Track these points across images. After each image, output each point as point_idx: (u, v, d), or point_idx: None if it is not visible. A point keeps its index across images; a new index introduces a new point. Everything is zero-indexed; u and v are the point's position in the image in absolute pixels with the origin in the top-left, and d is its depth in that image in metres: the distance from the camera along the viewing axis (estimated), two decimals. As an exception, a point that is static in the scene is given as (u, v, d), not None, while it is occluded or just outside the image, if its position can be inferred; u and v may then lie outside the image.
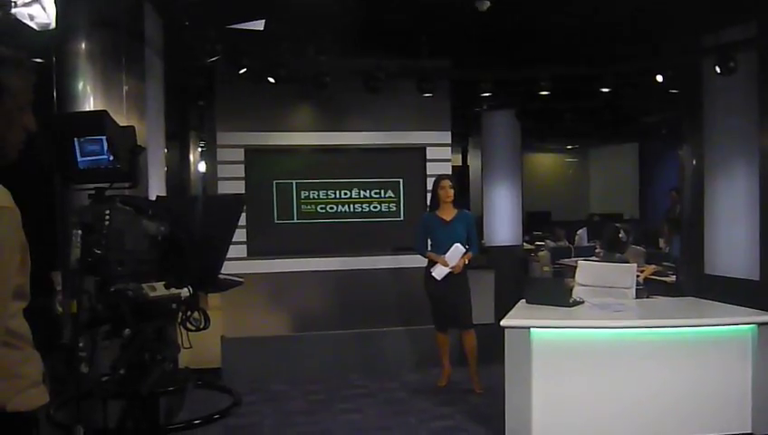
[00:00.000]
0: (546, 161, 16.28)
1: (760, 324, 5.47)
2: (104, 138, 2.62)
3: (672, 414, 5.40)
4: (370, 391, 6.95)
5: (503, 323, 5.50)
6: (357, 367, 7.47)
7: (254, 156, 7.63)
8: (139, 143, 2.91)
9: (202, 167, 8.75)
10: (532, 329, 5.46)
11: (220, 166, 7.57)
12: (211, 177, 8.09)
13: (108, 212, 2.68)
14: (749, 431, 5.43)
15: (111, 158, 2.66)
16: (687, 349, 5.48)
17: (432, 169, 7.79)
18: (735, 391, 5.47)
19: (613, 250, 8.89)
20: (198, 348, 3.19)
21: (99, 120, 2.65)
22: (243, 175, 7.54)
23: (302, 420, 6.11)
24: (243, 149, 7.54)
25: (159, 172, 6.09)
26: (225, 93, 7.61)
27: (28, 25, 4.08)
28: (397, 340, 7.67)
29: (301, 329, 7.69)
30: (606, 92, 8.25)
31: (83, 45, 5.02)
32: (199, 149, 8.87)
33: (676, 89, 8.75)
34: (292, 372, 7.29)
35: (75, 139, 2.67)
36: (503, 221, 10.90)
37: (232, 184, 7.42)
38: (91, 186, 2.78)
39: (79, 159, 2.69)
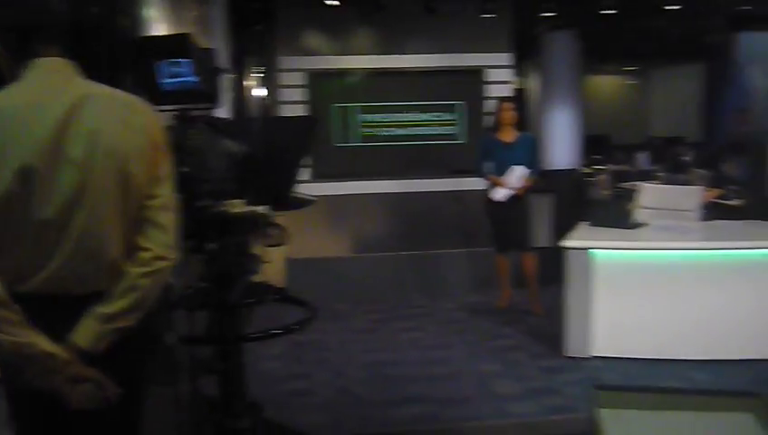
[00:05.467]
0: (606, 83, 15.93)
1: (828, 247, 5.42)
2: (189, 60, 2.71)
3: (733, 335, 5.43)
4: (430, 310, 7.11)
5: (564, 243, 5.56)
6: (417, 288, 7.63)
7: (315, 80, 7.70)
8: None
9: (261, 91, 8.82)
10: (592, 250, 5.52)
11: (281, 90, 7.65)
12: (271, 101, 8.18)
13: (193, 132, 2.79)
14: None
15: (196, 79, 2.75)
16: (750, 272, 5.48)
17: (492, 91, 7.76)
18: (799, 315, 5.47)
19: (676, 172, 8.79)
20: (264, 268, 3.33)
21: (183, 43, 2.73)
22: (304, 99, 7.62)
23: (365, 338, 6.32)
24: (304, 73, 7.60)
25: (226, 97, 6.19)
26: (287, 17, 7.63)
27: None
28: (456, 262, 7.79)
29: (362, 250, 7.86)
30: (670, 10, 8.03)
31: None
32: (258, 75, 8.94)
33: (744, 5, 8.44)
34: (353, 292, 7.49)
35: (160, 61, 2.76)
36: (561, 145, 10.78)
37: (293, 108, 7.51)
38: (176, 107, 2.88)
39: (164, 80, 2.79)
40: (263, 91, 8.82)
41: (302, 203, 3.58)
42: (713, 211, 7.71)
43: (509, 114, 6.65)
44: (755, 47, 7.84)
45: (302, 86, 7.60)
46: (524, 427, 4.53)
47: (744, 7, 8.39)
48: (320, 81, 7.73)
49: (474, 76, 7.93)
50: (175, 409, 3.09)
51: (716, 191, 8.65)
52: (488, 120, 7.00)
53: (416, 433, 4.44)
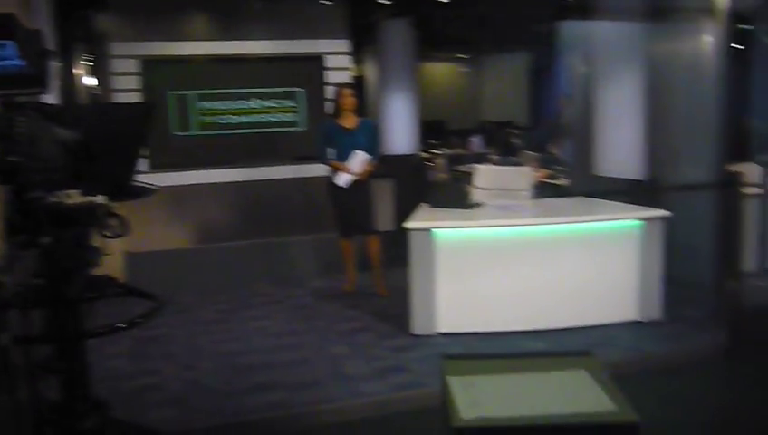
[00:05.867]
0: (440, 70, 16.44)
1: (646, 219, 5.90)
2: (14, 42, 2.54)
3: (567, 305, 5.82)
4: (278, 298, 7.10)
5: (407, 225, 5.72)
6: (263, 276, 7.58)
7: (149, 67, 7.43)
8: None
9: (92, 79, 8.42)
10: (435, 230, 5.71)
11: (114, 78, 7.33)
12: (103, 89, 7.82)
13: (21, 119, 2.63)
14: (636, 318, 5.92)
15: (22, 63, 2.58)
16: (580, 244, 5.87)
17: (331, 77, 7.81)
18: (624, 283, 5.93)
19: (508, 154, 9.21)
20: (102, 262, 3.20)
21: (7, 23, 2.55)
22: (138, 86, 7.34)
23: (213, 329, 6.22)
24: (137, 60, 7.32)
25: (55, 85, 5.86)
26: (118, 1, 7.30)
27: None
28: (302, 248, 7.80)
29: (205, 241, 7.71)
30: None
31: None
32: (88, 62, 8.51)
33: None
34: (198, 284, 7.33)
35: (-20, 43, 2.57)
36: (399, 131, 11.00)
37: (127, 96, 7.22)
38: (0, 92, 2.70)
39: (-15, 64, 2.60)
40: (93, 79, 8.41)
41: (143, 192, 3.46)
42: (543, 190, 8.17)
43: (349, 100, 6.73)
44: (576, 35, 8.34)
45: (135, 73, 7.30)
46: (376, 405, 4.63)
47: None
48: (154, 67, 7.47)
49: (313, 63, 7.95)
50: (14, 415, 2.91)
51: (545, 172, 9.16)
52: (329, 107, 7.04)
53: (270, 420, 4.42)
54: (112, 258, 3.29)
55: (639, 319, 5.94)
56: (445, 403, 2.19)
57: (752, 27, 7.06)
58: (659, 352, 5.42)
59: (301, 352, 5.54)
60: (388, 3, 8.78)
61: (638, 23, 7.23)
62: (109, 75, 7.36)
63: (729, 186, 6.95)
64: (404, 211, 6.43)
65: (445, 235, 5.74)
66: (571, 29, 8.54)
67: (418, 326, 5.77)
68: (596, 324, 5.82)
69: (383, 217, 8.09)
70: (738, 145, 7.48)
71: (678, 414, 4.37)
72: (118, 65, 7.32)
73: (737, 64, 6.98)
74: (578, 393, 2.16)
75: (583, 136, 8.17)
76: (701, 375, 5.14)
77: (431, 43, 12.63)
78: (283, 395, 4.70)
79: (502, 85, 16.11)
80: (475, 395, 2.14)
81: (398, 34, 10.46)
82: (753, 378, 5.02)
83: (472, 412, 2.01)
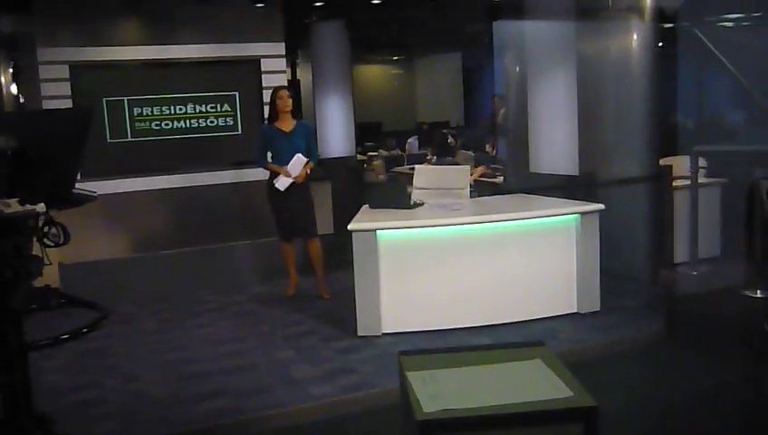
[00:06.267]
0: (375, 73, 16.51)
1: (582, 214, 6.04)
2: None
3: (509, 300, 5.91)
4: (220, 305, 7.01)
5: (350, 227, 5.73)
6: (204, 284, 7.48)
7: (81, 72, 7.24)
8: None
9: (19, 86, 8.19)
10: (378, 231, 5.73)
11: (43, 85, 7.12)
12: (32, 97, 7.59)
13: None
14: (575, 311, 6.05)
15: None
16: (520, 240, 5.97)
17: (267, 81, 7.76)
18: (563, 276, 6.06)
19: (444, 155, 9.29)
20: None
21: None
22: (69, 93, 7.15)
23: (155, 339, 6.11)
24: (67, 66, 7.13)
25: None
26: (44, 6, 7.09)
27: None
28: (243, 254, 7.73)
29: (144, 250, 7.55)
30: (433, 1, 8.47)
31: None
32: (15, 68, 8.27)
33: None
34: (138, 293, 7.18)
35: None
36: (335, 133, 11.00)
37: (57, 103, 7.01)
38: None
39: None
40: (20, 86, 8.18)
41: (84, 199, 3.38)
42: (480, 188, 8.30)
43: (286, 102, 6.69)
44: (508, 35, 8.47)
45: (65, 79, 7.11)
46: (326, 408, 4.61)
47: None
48: (86, 73, 7.28)
49: (249, 66, 7.86)
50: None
51: (481, 169, 9.31)
52: (266, 111, 7.00)
53: (218, 428, 4.36)
54: (49, 269, 3.20)
55: (578, 311, 6.08)
56: (405, 399, 2.20)
57: (676, 25, 7.30)
58: (599, 342, 5.54)
59: (246, 358, 5.48)
60: (321, 4, 8.76)
61: (569, 21, 7.37)
62: (37, 82, 7.14)
63: (660, 179, 7.19)
64: (343, 214, 6.43)
65: (387, 235, 5.77)
66: (504, 29, 8.67)
67: (364, 327, 5.77)
68: (537, 318, 5.94)
69: (322, 220, 8.06)
70: (667, 139, 7.73)
71: (622, 401, 4.48)
72: (47, 71, 7.11)
73: (664, 61, 7.21)
74: (535, 382, 2.20)
75: (518, 134, 8.30)
76: (640, 362, 5.29)
77: (365, 46, 12.70)
78: (231, 402, 4.64)
79: (436, 86, 16.28)
80: (436, 389, 2.16)
81: (331, 36, 10.47)
82: (690, 362, 5.19)
83: (434, 405, 2.02)
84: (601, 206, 6.08)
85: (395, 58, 16.49)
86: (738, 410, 4.39)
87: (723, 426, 4.21)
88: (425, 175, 7.35)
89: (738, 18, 6.85)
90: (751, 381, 4.78)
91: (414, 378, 2.22)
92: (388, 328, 5.78)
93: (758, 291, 6.34)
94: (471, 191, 7.23)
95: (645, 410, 4.47)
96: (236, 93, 7.88)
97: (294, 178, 6.64)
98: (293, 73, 13.30)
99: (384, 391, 4.71)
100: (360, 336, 5.74)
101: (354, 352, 5.46)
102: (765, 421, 4.19)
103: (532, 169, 7.97)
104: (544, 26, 7.71)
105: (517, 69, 8.39)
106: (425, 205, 6.48)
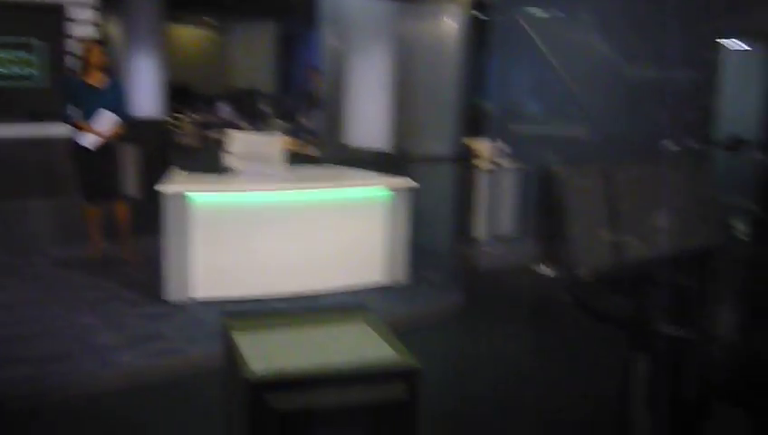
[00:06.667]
0: (188, 34, 15.93)
1: (394, 189, 6.26)
2: None
3: (321, 270, 6.02)
4: (17, 267, 6.55)
5: (161, 188, 5.55)
6: (-2, 244, 6.94)
7: None
8: None
9: None
10: (190, 194, 5.61)
11: None
12: None
13: None
14: (385, 282, 6.28)
15: None
16: (333, 211, 6.09)
17: (75, 31, 7.26)
18: (373, 248, 6.26)
19: (258, 123, 9.21)
20: None
21: None
22: None
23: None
24: None
25: None
26: None
27: None
28: (41, 214, 7.23)
29: None
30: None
31: None
32: None
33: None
34: None
35: None
36: (144, 93, 10.54)
37: None
38: None
39: None
40: None
41: None
42: (293, 159, 8.31)
43: (98, 57, 6.35)
44: (331, 7, 8.51)
45: None
46: (132, 375, 4.48)
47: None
48: None
49: (53, 13, 7.29)
50: None
51: (295, 141, 9.32)
52: (73, 63, 6.58)
53: (17, 397, 4.11)
54: None
55: (387, 283, 6.31)
56: (231, 359, 2.21)
57: (491, 15, 7.67)
58: (406, 312, 5.79)
59: (46, 323, 5.18)
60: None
61: (390, 1, 7.55)
62: None
63: (465, 160, 7.58)
64: (150, 177, 6.20)
65: (200, 199, 5.66)
66: (327, 1, 8.70)
67: (172, 293, 5.66)
68: (348, 289, 6.10)
69: (130, 183, 7.74)
70: (474, 122, 8.15)
71: (428, 365, 4.72)
72: None
73: (476, 48, 7.58)
74: (361, 344, 2.29)
75: (334, 107, 8.41)
76: (443, 331, 5.60)
77: (180, 4, 12.22)
78: (29, 370, 4.38)
79: (252, 53, 16.00)
80: (264, 349, 2.19)
81: (142, -8, 10.00)
82: (486, 330, 5.58)
83: (264, 366, 2.05)
84: (413, 182, 6.32)
85: (210, 20, 16.01)
86: (533, 372, 4.77)
87: (517, 386, 4.57)
88: (239, 141, 7.23)
89: (551, 12, 7.33)
90: (535, 344, 5.24)
91: (240, 338, 2.23)
92: (198, 294, 5.70)
93: (546, 268, 6.89)
94: (286, 160, 7.23)
95: (449, 373, 4.75)
96: (36, 41, 7.30)
97: (102, 136, 6.32)
98: (105, 27, 12.51)
99: (192, 357, 4.67)
100: (168, 302, 5.61)
101: (162, 319, 5.34)
102: (550, 381, 4.60)
103: (346, 142, 8.11)
104: (365, 3, 7.85)
105: (336, 42, 8.46)
106: (238, 171, 6.41)
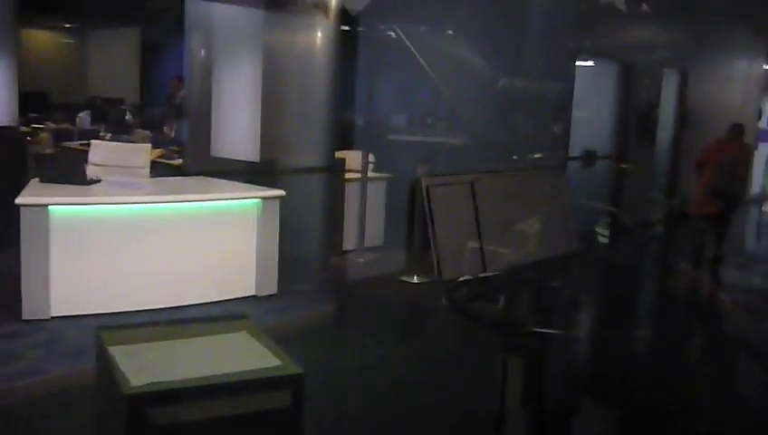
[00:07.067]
0: (44, 39, 15.17)
1: (263, 199, 6.22)
2: None
3: (188, 282, 5.88)
4: None
5: (18, 200, 5.27)
6: None
7: None
8: None
9: None
10: (50, 206, 5.34)
11: None
12: None
13: None
14: (254, 293, 6.22)
15: None
16: (202, 222, 5.98)
17: None
18: (242, 260, 6.18)
19: (120, 132, 8.92)
20: None
21: None
22: None
23: None
24: None
25: None
26: None
27: None
28: None
29: None
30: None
31: None
32: None
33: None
34: None
35: None
36: (-6, 100, 9.98)
37: None
38: None
39: None
40: None
41: None
42: (157, 169, 8.11)
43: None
44: (197, 16, 8.35)
45: None
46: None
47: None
48: None
49: None
50: None
51: (160, 151, 9.09)
52: None
53: None
54: None
55: (257, 294, 6.24)
56: (105, 374, 2.12)
57: (359, 28, 7.80)
58: (277, 322, 5.75)
59: None
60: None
61: (259, 10, 7.50)
62: None
63: (334, 171, 7.65)
64: (2, 188, 5.87)
65: (60, 211, 5.39)
66: (192, 9, 8.53)
67: (30, 311, 5.34)
68: (218, 300, 5.98)
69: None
70: (342, 135, 8.24)
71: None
72: None
73: (344, 61, 7.67)
74: (243, 353, 2.27)
75: (201, 117, 8.24)
76: (314, 340, 5.61)
77: (34, 8, 11.65)
78: None
79: (114, 60, 15.44)
80: (141, 362, 2.12)
81: (-5, -6, 9.43)
82: (357, 338, 5.65)
83: (141, 379, 1.99)
84: (282, 192, 6.30)
85: (67, 26, 15.31)
86: (408, 378, 4.86)
87: (393, 392, 4.64)
88: (101, 151, 7.02)
89: (420, 26, 7.52)
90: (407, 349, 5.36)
91: (117, 352, 2.15)
92: (58, 311, 5.41)
93: (415, 277, 7.07)
94: (150, 171, 7.06)
95: (324, 382, 4.76)
96: None
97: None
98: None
99: (56, 376, 4.45)
100: (26, 320, 5.30)
101: (20, 338, 5.04)
102: (424, 385, 4.70)
103: (214, 153, 7.98)
104: (234, 11, 7.76)
105: (203, 52, 8.32)
106: (102, 181, 6.18)
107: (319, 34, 7.33)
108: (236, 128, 7.84)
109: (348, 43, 7.85)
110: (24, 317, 5.31)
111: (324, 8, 7.23)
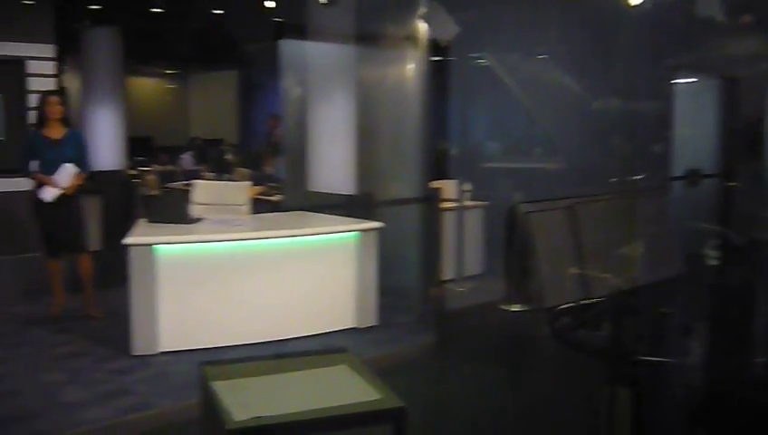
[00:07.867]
0: (148, 85, 15.90)
1: (361, 231, 6.25)
2: None
3: (289, 316, 5.96)
4: (-28, 325, 6.38)
5: (126, 241, 5.47)
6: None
7: None
8: None
9: None
10: (156, 246, 5.53)
11: None
12: None
13: None
14: (354, 326, 6.23)
15: None
16: (301, 256, 6.06)
17: (34, 84, 7.22)
18: (342, 292, 6.22)
19: (222, 171, 9.18)
20: None
21: None
22: None
23: None
24: None
25: None
26: None
27: None
28: (2, 270, 7.08)
29: None
30: (213, 15, 8.36)
31: None
32: None
33: (281, 17, 9.20)
34: None
35: None
36: (105, 145, 10.46)
37: None
38: None
39: None
40: None
41: None
42: (258, 206, 8.28)
43: (55, 109, 6.27)
44: (292, 55, 8.56)
45: None
46: (102, 432, 4.35)
47: (281, 18, 9.11)
48: None
49: (13, 67, 7.25)
50: None
51: (259, 188, 9.30)
52: (32, 116, 6.51)
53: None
54: None
55: (357, 326, 6.26)
56: (210, 410, 2.15)
57: (449, 58, 7.81)
58: (378, 354, 5.74)
59: (9, 382, 5.02)
60: (97, 9, 8.33)
61: (350, 46, 7.62)
62: None
63: (430, 201, 7.62)
64: (113, 229, 6.12)
65: (166, 250, 5.58)
66: (287, 49, 8.75)
67: (140, 347, 5.53)
68: (317, 333, 6.03)
69: (92, 236, 7.64)
70: (437, 164, 8.23)
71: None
72: None
73: (436, 92, 7.68)
74: (344, 387, 2.26)
75: (298, 154, 8.40)
76: (414, 372, 5.56)
77: (139, 56, 12.22)
78: (-5, 430, 4.24)
79: (213, 103, 16.02)
80: (245, 397, 2.14)
81: (104, 43, 9.97)
82: (459, 369, 5.55)
83: (245, 414, 2.00)
84: (380, 224, 6.32)
85: (170, 72, 16.01)
86: (512, 408, 4.76)
87: (498, 422, 4.54)
88: (204, 190, 7.22)
89: (511, 52, 7.50)
90: (510, 381, 5.23)
91: (220, 388, 2.18)
92: (165, 347, 5.58)
93: (516, 305, 6.92)
94: (251, 208, 7.21)
95: (428, 414, 4.70)
96: (-1, 95, 7.25)
97: (63, 189, 6.23)
98: (64, 79, 12.46)
99: (163, 411, 4.56)
100: (136, 356, 5.49)
101: (130, 373, 5.21)
102: (526, 413, 4.58)
103: (311, 187, 8.10)
104: (326, 49, 7.90)
105: (298, 89, 8.50)
106: (205, 220, 6.37)
107: (410, 66, 7.38)
108: (332, 162, 7.94)
109: (440, 74, 7.87)
110: (133, 353, 5.50)
111: (414, 40, 7.28)
